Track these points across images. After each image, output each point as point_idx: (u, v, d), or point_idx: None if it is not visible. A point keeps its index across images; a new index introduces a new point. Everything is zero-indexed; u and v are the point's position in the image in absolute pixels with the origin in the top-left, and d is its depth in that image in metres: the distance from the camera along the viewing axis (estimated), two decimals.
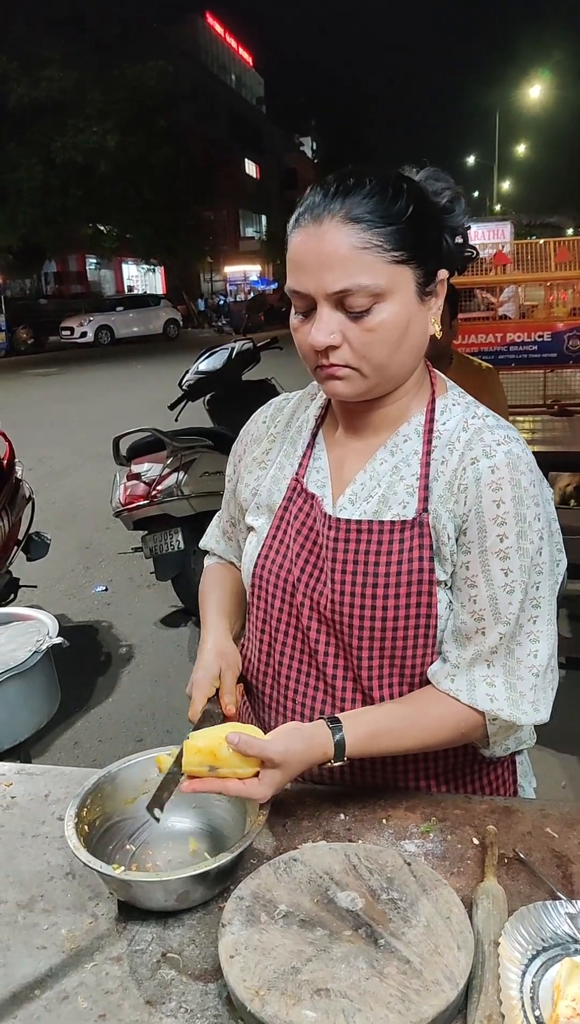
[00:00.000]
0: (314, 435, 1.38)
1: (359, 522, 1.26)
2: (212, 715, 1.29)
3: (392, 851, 1.17)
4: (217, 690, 1.32)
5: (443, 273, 1.22)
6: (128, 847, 1.26)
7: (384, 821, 1.30)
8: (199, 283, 40.47)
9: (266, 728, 1.41)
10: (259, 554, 1.37)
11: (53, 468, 8.79)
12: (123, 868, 1.08)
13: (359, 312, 1.15)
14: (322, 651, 1.32)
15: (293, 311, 1.22)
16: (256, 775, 1.15)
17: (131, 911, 1.14)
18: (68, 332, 26.66)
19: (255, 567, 1.37)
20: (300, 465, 1.36)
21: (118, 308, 28.19)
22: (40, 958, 1.08)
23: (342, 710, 1.30)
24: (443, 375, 1.35)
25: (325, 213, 1.14)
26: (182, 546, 4.61)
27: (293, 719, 1.36)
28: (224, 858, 1.09)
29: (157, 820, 1.13)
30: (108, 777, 1.28)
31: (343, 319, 1.16)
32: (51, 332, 26.80)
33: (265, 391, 5.66)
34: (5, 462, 4.65)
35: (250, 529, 1.42)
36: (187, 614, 4.97)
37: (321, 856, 1.16)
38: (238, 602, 1.50)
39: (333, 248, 1.13)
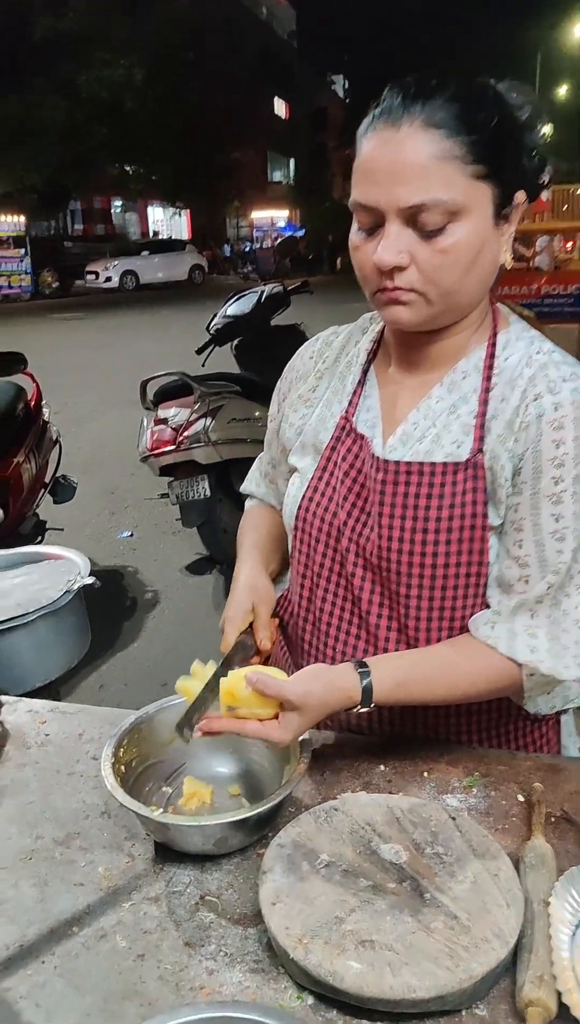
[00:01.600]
0: (365, 371, 1.32)
1: (410, 464, 1.21)
2: (245, 646, 1.26)
3: (435, 805, 1.14)
4: (250, 624, 1.29)
5: (521, 196, 1.13)
6: (164, 789, 1.24)
7: (425, 774, 1.27)
8: (225, 228, 39.72)
9: None
10: (303, 496, 1.32)
11: (79, 414, 8.75)
12: (160, 810, 1.06)
13: (432, 231, 1.07)
14: (366, 599, 1.27)
15: (355, 227, 1.14)
16: (276, 716, 1.12)
17: (168, 853, 1.13)
18: (93, 276, 26.35)
19: (299, 509, 1.32)
20: (349, 403, 1.30)
21: (143, 252, 27.78)
22: (78, 895, 1.07)
23: None
24: (507, 307, 1.28)
25: (404, 116, 1.05)
26: (208, 493, 4.57)
27: None
28: (265, 805, 1.07)
29: (187, 741, 1.10)
30: (145, 718, 1.26)
31: (413, 238, 1.08)
32: (76, 276, 26.50)
33: (294, 336, 5.54)
34: (32, 403, 4.62)
35: (294, 470, 1.37)
36: (212, 562, 4.96)
37: (362, 807, 1.14)
38: (276, 542, 1.46)
39: (411, 156, 1.05)
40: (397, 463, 1.21)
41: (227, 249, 35.35)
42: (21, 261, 24.16)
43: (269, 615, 1.31)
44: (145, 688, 3.62)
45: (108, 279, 26.12)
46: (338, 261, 29.88)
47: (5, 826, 1.20)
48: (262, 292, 5.47)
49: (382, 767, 1.29)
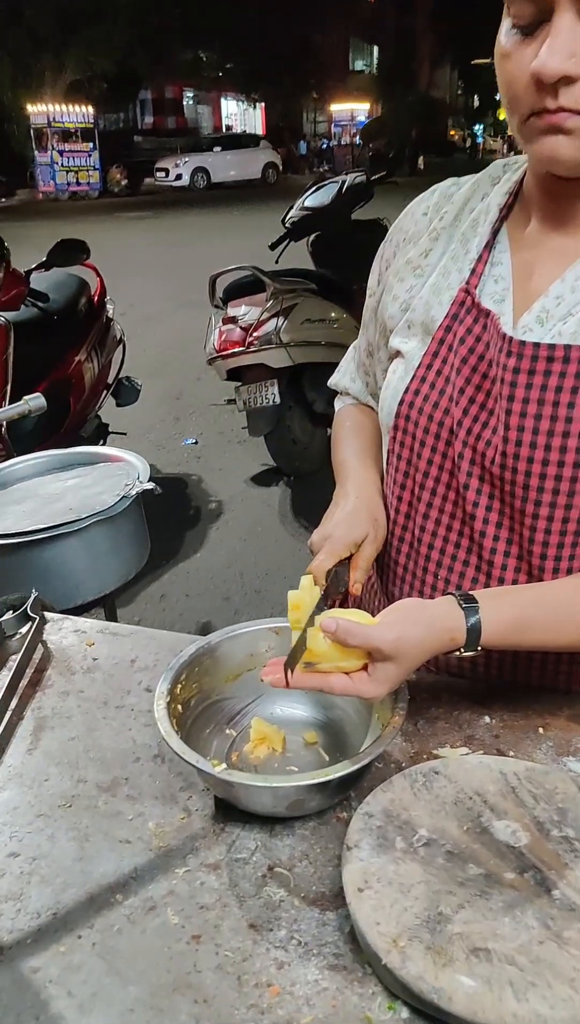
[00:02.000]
0: (495, 232, 1.04)
1: (552, 347, 0.94)
2: (340, 579, 1.04)
3: (561, 773, 0.93)
4: (350, 557, 1.07)
5: None
6: (228, 732, 1.05)
7: (541, 730, 1.05)
8: (301, 123, 37.67)
9: None
10: (408, 387, 1.07)
11: (145, 314, 8.50)
12: (224, 765, 0.87)
13: None
14: (481, 517, 1.03)
15: (506, 27, 0.85)
16: (365, 668, 0.90)
17: (231, 809, 0.94)
18: (163, 174, 25.52)
19: (401, 404, 1.07)
20: (472, 272, 1.03)
21: (215, 148, 26.67)
22: (123, 854, 0.90)
23: None
24: None
25: None
26: (277, 400, 4.31)
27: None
28: (352, 766, 0.87)
29: (286, 686, 0.90)
30: (207, 649, 1.06)
31: None
32: (145, 174, 25.72)
33: (376, 232, 5.13)
34: (96, 299, 4.39)
35: (397, 355, 1.11)
36: (279, 474, 4.75)
37: (470, 771, 0.93)
38: (380, 452, 1.22)
39: None
40: (535, 346, 0.95)
41: (303, 146, 33.71)
42: (90, 156, 23.52)
43: (374, 555, 1.09)
44: (207, 600, 3.49)
45: (178, 177, 25.25)
46: (421, 160, 28.23)
47: (43, 764, 1.03)
48: (343, 182, 5.03)
49: (487, 718, 1.07)
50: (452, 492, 1.05)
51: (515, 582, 1.04)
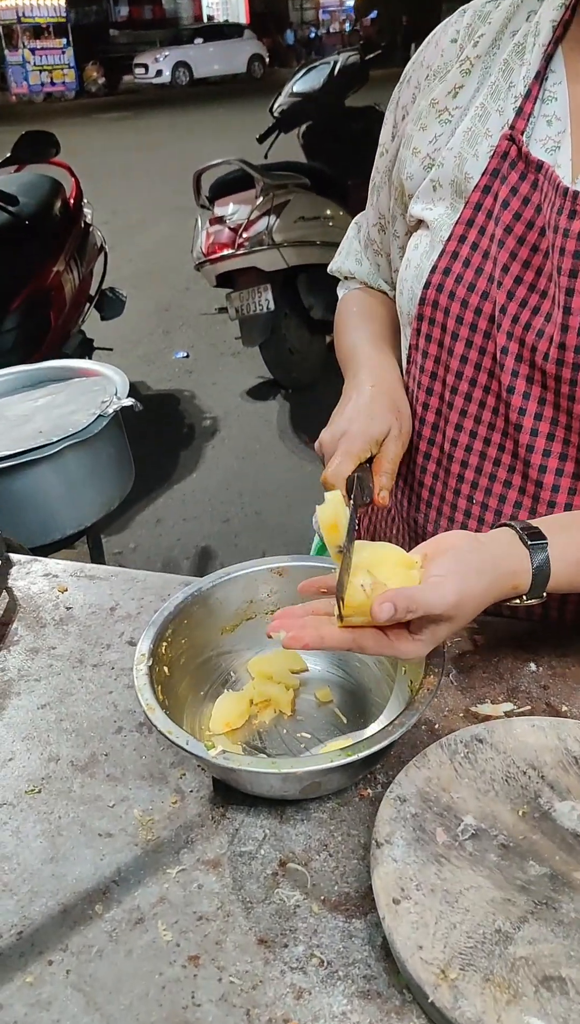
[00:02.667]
0: (548, 58, 0.80)
1: None
2: (363, 487, 0.84)
3: None
4: (370, 459, 0.87)
5: None
6: (227, 693, 0.88)
7: None
8: (288, 10, 35.35)
9: (417, 537, 0.97)
10: (435, 266, 0.85)
11: (128, 222, 8.04)
12: (220, 747, 0.70)
13: None
14: (528, 427, 0.83)
15: None
16: (407, 624, 0.71)
17: (232, 790, 0.78)
18: (142, 70, 24.06)
19: (427, 287, 0.86)
20: (518, 112, 0.80)
21: (196, 40, 25.02)
22: (104, 851, 0.74)
23: None
24: None
25: None
26: (272, 307, 4.02)
27: (461, 528, 0.92)
28: (378, 743, 0.70)
29: (306, 647, 0.71)
30: (198, 596, 0.88)
31: None
32: (123, 70, 24.25)
33: (371, 119, 4.74)
34: (72, 202, 4.05)
35: (419, 226, 0.89)
36: (275, 386, 4.50)
37: (520, 738, 0.76)
38: (397, 334, 1.01)
39: None
40: None
41: (290, 36, 31.72)
42: (63, 53, 22.12)
43: (401, 453, 0.88)
44: (205, 523, 3.31)
45: (158, 73, 23.79)
46: (413, 48, 26.64)
47: (6, 740, 0.87)
48: (335, 63, 4.62)
49: (533, 666, 0.90)
50: (492, 397, 0.85)
51: (568, 507, 0.85)
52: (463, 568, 0.70)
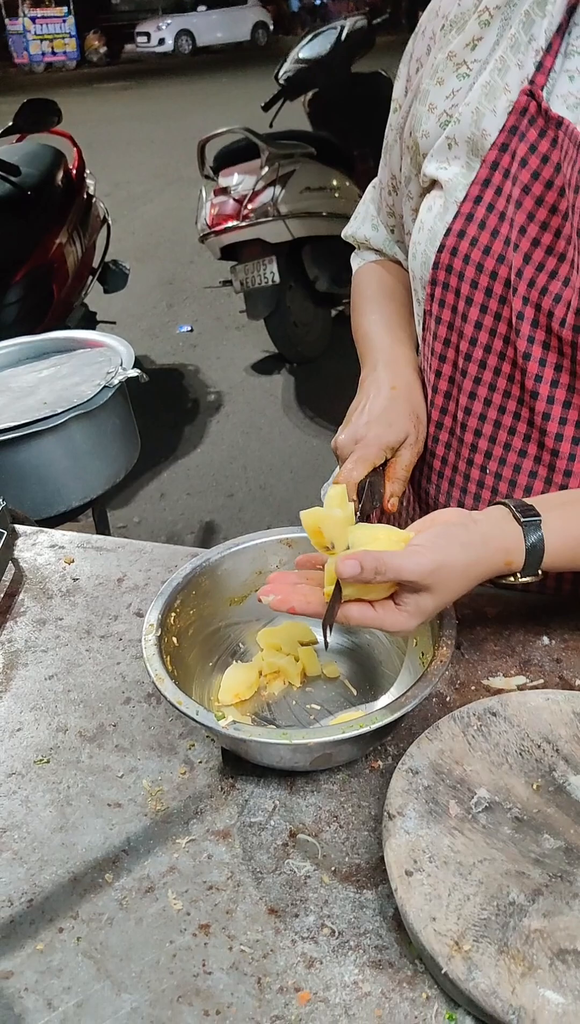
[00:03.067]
0: (571, 9, 0.77)
1: None
2: (374, 492, 0.84)
3: None
4: (385, 464, 0.86)
5: None
6: (235, 664, 0.87)
7: None
8: None
9: (428, 509, 0.96)
10: (450, 228, 0.83)
11: (131, 193, 7.95)
12: (230, 718, 0.69)
13: None
14: (545, 395, 0.82)
15: None
16: (392, 596, 0.71)
17: (241, 760, 0.78)
18: (144, 39, 23.61)
19: (440, 251, 0.84)
20: (538, 66, 0.78)
21: (199, 8, 24.53)
22: (113, 821, 0.74)
23: None
24: None
25: None
26: (277, 279, 3.97)
27: (480, 506, 0.91)
28: (391, 715, 0.69)
29: (325, 647, 0.72)
30: (206, 567, 0.87)
31: None
32: (125, 39, 23.83)
33: (380, 88, 4.66)
34: (74, 172, 4.00)
35: (432, 186, 0.87)
36: (280, 360, 4.46)
37: (535, 712, 0.75)
38: (414, 319, 0.99)
39: None
40: None
41: (294, 2, 31.12)
42: (64, 22, 21.70)
43: (415, 459, 0.88)
44: (209, 497, 3.30)
45: (161, 41, 23.35)
46: (418, 14, 26.12)
47: (14, 710, 0.86)
48: (342, 27, 4.51)
49: (546, 639, 0.90)
50: (507, 364, 0.84)
51: None
52: (446, 540, 0.70)
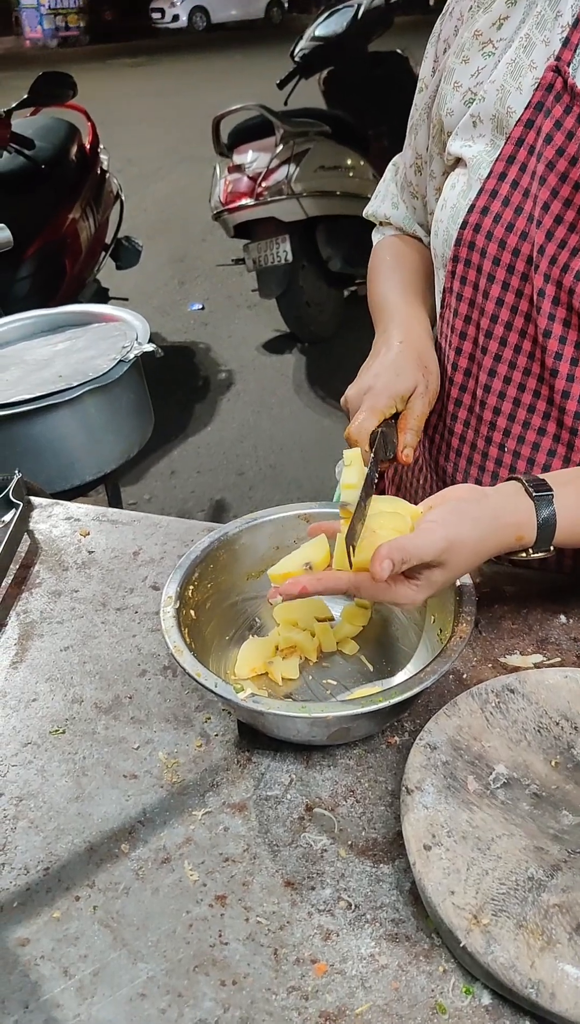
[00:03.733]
0: None
1: None
2: (387, 443, 0.83)
3: None
4: (396, 416, 0.85)
5: None
6: (252, 639, 0.87)
7: None
8: None
9: (445, 487, 0.95)
10: (473, 205, 0.82)
11: (143, 170, 7.89)
12: (249, 690, 0.69)
13: None
14: (565, 373, 0.81)
15: None
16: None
17: (258, 734, 0.78)
18: (158, 15, 23.36)
19: (463, 227, 0.83)
20: (565, 42, 0.76)
21: None
22: (129, 792, 0.74)
23: None
24: None
25: None
26: (290, 258, 3.94)
27: (497, 484, 0.90)
28: (409, 690, 0.68)
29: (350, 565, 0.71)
30: (224, 540, 0.87)
31: None
32: (139, 16, 23.59)
33: (395, 66, 4.61)
34: (88, 147, 3.96)
35: (456, 164, 0.86)
36: (292, 339, 4.43)
37: (553, 689, 0.75)
38: (432, 292, 0.98)
39: None
40: None
41: None
42: None
43: (427, 410, 0.87)
44: (220, 475, 3.29)
45: (175, 17, 23.09)
46: None
47: (30, 681, 0.86)
48: (359, 5, 4.44)
49: (563, 618, 0.89)
50: (527, 341, 0.83)
51: None
52: (457, 517, 0.70)
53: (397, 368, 0.86)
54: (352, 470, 0.74)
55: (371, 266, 1.05)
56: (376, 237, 1.11)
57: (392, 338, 0.90)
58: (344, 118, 4.32)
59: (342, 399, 0.88)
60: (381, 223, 1.10)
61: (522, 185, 0.79)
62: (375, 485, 0.76)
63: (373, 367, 0.87)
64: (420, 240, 1.05)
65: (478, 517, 0.71)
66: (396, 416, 0.86)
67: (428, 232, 1.02)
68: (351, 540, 0.69)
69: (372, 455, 0.80)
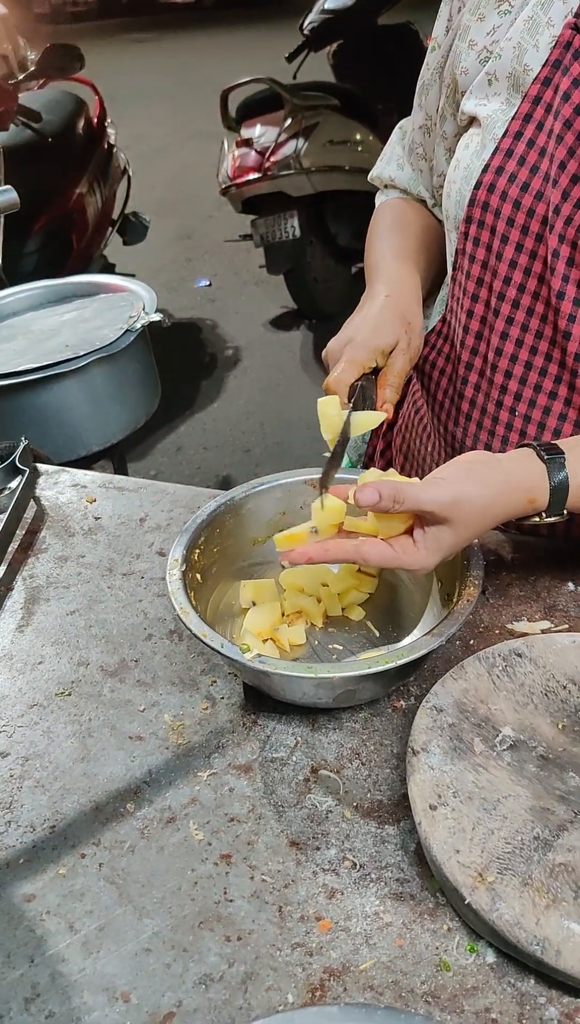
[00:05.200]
0: None
1: None
2: (366, 396, 0.83)
3: None
4: (375, 371, 0.85)
5: None
6: (257, 607, 0.87)
7: None
8: None
9: (454, 453, 0.95)
10: (488, 164, 0.80)
11: (152, 147, 7.82)
12: (254, 650, 0.69)
13: None
14: (578, 336, 0.80)
15: None
16: (409, 532, 0.70)
17: (264, 697, 0.78)
18: None
19: (477, 188, 0.81)
20: None
21: None
22: (135, 754, 0.74)
23: None
24: None
25: None
26: (298, 234, 3.91)
27: (508, 449, 0.89)
28: (415, 652, 0.68)
29: (322, 504, 0.71)
30: (230, 505, 0.86)
31: None
32: None
33: (406, 38, 4.54)
34: (96, 121, 3.93)
35: (471, 124, 0.84)
36: (299, 316, 4.41)
37: (560, 653, 0.74)
38: (430, 248, 0.97)
39: None
40: None
41: None
42: None
43: (408, 367, 0.86)
44: (226, 452, 3.29)
45: None
46: None
47: (36, 644, 0.86)
48: None
49: (571, 585, 0.88)
50: (540, 304, 0.81)
51: None
52: (466, 475, 0.69)
53: (379, 322, 0.85)
54: (327, 418, 0.74)
55: (370, 227, 1.04)
56: (379, 198, 1.10)
57: (378, 293, 0.89)
58: (353, 92, 4.26)
59: (323, 352, 0.88)
60: (386, 186, 1.09)
61: (538, 144, 0.78)
62: (348, 441, 0.77)
63: (355, 320, 0.87)
64: (424, 203, 1.04)
65: (489, 478, 0.70)
66: (377, 372, 0.85)
67: (433, 196, 1.01)
68: (324, 483, 0.69)
69: (350, 408, 0.80)
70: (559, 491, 0.72)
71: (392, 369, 0.86)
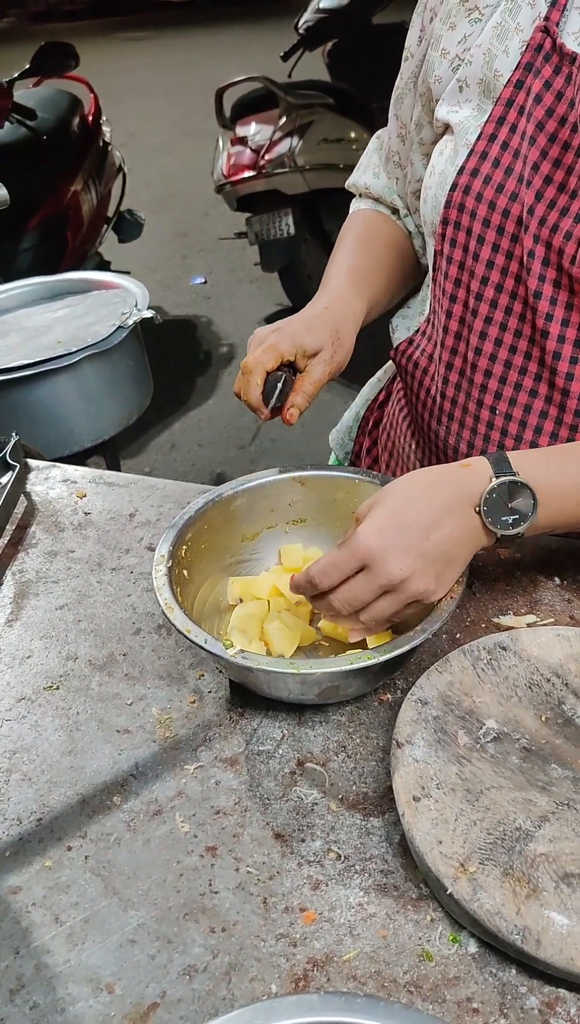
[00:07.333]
0: None
1: None
2: (284, 389, 0.86)
3: None
4: (295, 371, 0.88)
5: None
6: (243, 604, 0.87)
7: None
8: None
9: (438, 451, 0.96)
10: (463, 167, 0.81)
11: (147, 144, 7.80)
12: (238, 647, 0.69)
13: None
14: (555, 334, 0.80)
15: None
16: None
17: (250, 692, 0.78)
18: None
19: (453, 190, 0.82)
20: (552, 3, 0.75)
21: None
22: (121, 747, 0.75)
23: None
24: None
25: None
26: (292, 231, 3.91)
27: (490, 447, 0.90)
28: (399, 647, 0.68)
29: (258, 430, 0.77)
30: (218, 501, 0.86)
31: None
32: None
33: (402, 40, 4.51)
34: (90, 119, 3.92)
35: (445, 130, 0.85)
36: (294, 313, 4.40)
37: (544, 647, 0.75)
38: (392, 267, 0.98)
39: None
40: None
41: None
42: None
43: (326, 376, 0.88)
44: (220, 449, 3.29)
45: None
46: None
47: (25, 638, 0.86)
48: None
49: (556, 580, 0.89)
50: (518, 303, 0.82)
51: None
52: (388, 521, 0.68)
53: (312, 325, 0.87)
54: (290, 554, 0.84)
55: (339, 236, 1.06)
56: (352, 207, 1.10)
57: (318, 302, 0.92)
58: (348, 90, 4.26)
59: (250, 337, 0.89)
60: (360, 194, 1.10)
61: (512, 146, 0.79)
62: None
63: (290, 318, 0.89)
64: (397, 211, 1.05)
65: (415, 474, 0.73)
66: (297, 373, 0.87)
67: (406, 206, 1.02)
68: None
69: (264, 398, 0.84)
70: (501, 461, 0.71)
71: (310, 376, 0.87)
